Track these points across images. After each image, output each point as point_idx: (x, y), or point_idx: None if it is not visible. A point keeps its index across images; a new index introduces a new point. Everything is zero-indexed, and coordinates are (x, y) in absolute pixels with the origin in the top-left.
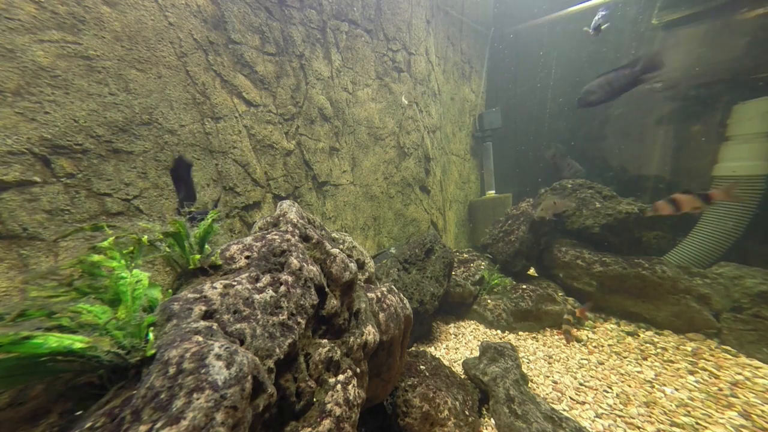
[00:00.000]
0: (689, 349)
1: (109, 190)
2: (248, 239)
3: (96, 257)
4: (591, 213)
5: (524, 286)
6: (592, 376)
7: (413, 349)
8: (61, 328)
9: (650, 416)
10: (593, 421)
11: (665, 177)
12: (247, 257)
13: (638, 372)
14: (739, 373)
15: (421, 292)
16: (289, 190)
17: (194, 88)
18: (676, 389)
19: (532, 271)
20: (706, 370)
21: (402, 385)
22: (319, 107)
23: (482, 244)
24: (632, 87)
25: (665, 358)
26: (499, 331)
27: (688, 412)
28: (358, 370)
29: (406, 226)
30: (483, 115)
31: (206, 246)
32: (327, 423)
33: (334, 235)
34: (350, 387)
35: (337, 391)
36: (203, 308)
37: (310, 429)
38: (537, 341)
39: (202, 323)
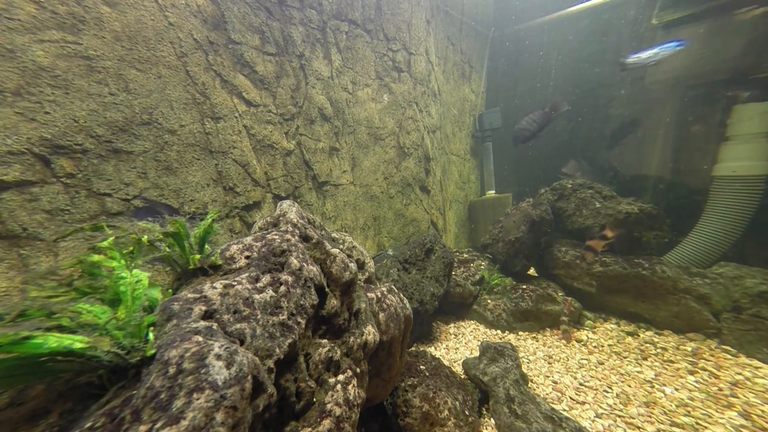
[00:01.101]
0: (689, 349)
1: (109, 190)
2: (248, 239)
3: (96, 257)
4: (591, 213)
5: (524, 286)
6: (592, 376)
7: (413, 349)
8: (61, 328)
9: (650, 416)
10: (593, 421)
11: (665, 177)
12: (247, 257)
13: (638, 372)
14: (739, 373)
15: (421, 292)
16: (289, 190)
17: (194, 88)
18: (676, 389)
19: (532, 271)
20: (706, 370)
21: (402, 385)
22: (319, 107)
23: (482, 244)
24: (549, 123)
25: (665, 358)
26: (499, 331)
27: (688, 412)
28: (358, 370)
29: (406, 226)
30: (483, 115)
31: (206, 246)
32: (327, 423)
33: (334, 235)
34: (350, 387)
35: (337, 391)
36: (203, 308)
37: (310, 429)
38: (537, 341)
39: (202, 323)
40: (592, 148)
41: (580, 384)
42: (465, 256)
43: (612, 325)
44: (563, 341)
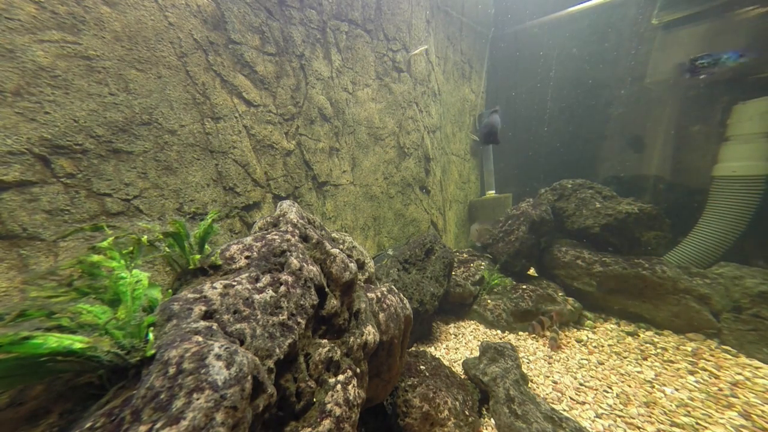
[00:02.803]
0: (689, 349)
1: (109, 190)
2: (248, 239)
3: (95, 257)
4: (591, 213)
5: (524, 286)
6: (592, 376)
7: (413, 349)
8: (61, 329)
9: (650, 416)
10: (593, 421)
11: (665, 177)
12: (247, 257)
13: (638, 372)
14: (739, 374)
15: (421, 292)
16: (289, 190)
17: (194, 88)
18: (676, 389)
19: (532, 272)
20: (706, 370)
21: (402, 385)
22: (319, 107)
23: (482, 244)
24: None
25: (665, 358)
26: (499, 331)
27: (689, 412)
28: (358, 370)
29: (406, 227)
30: (483, 115)
31: (206, 246)
32: (327, 423)
33: (334, 235)
34: (350, 387)
35: (337, 391)
36: (203, 308)
37: (310, 429)
38: (537, 341)
39: (202, 323)
40: (592, 148)
41: (580, 384)
42: (465, 256)
43: (612, 325)
44: (549, 348)
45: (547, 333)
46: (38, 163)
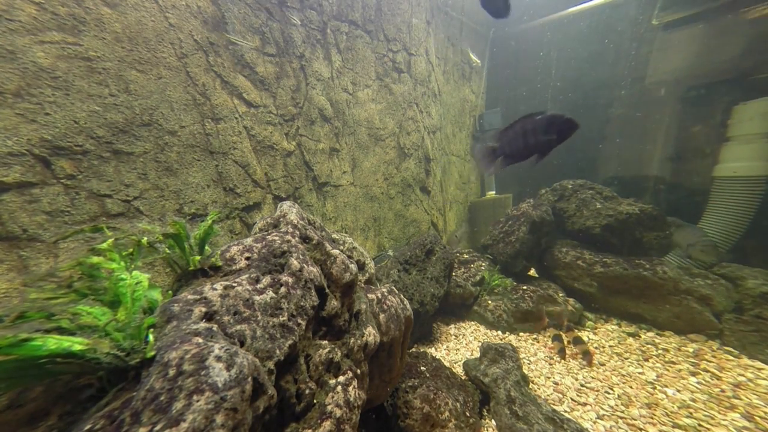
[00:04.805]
0: (691, 350)
1: (110, 191)
2: (248, 240)
3: (95, 259)
4: (592, 214)
5: (525, 287)
6: (593, 378)
7: (414, 350)
8: (61, 330)
9: (652, 418)
10: (595, 422)
11: (666, 178)
12: (248, 258)
13: (640, 373)
14: (742, 375)
15: (421, 293)
16: (290, 190)
17: (194, 89)
18: (678, 390)
19: (532, 272)
20: (708, 371)
21: (402, 387)
22: (320, 108)
23: (482, 245)
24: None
25: (667, 359)
26: (499, 332)
27: (691, 413)
28: (358, 371)
29: (407, 227)
30: (483, 116)
31: (206, 247)
32: (327, 424)
33: (334, 236)
34: (350, 388)
35: (338, 392)
36: (203, 309)
37: (310, 431)
38: (538, 342)
39: (202, 325)
40: (592, 148)
41: (582, 385)
42: (465, 256)
43: (613, 326)
44: (586, 363)
45: (568, 344)
46: (38, 164)
